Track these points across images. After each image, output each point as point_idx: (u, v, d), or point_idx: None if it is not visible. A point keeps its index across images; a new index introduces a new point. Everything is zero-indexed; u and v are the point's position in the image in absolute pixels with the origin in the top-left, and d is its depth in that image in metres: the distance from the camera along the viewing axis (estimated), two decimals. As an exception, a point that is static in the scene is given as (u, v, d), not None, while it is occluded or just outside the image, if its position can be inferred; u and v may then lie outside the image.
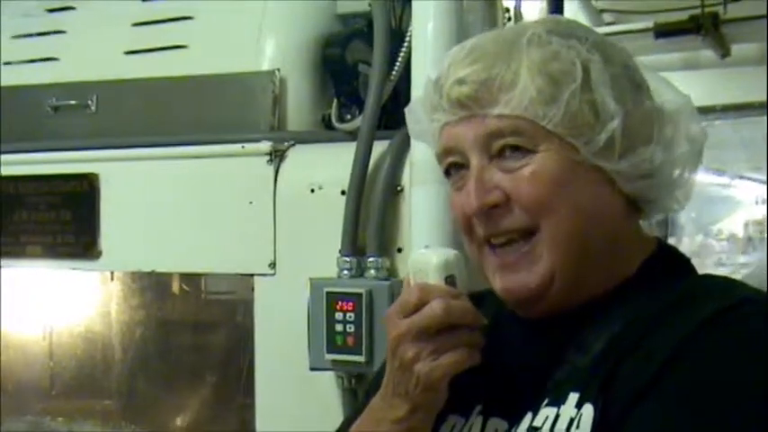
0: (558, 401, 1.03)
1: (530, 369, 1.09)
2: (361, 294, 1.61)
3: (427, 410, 1.13)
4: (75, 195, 1.96)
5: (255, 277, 1.80)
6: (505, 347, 1.12)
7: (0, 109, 2.09)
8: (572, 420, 1.00)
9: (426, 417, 1.13)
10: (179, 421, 2.01)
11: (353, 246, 1.67)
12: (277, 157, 1.78)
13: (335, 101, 1.87)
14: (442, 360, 1.05)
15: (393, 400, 1.11)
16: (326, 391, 1.73)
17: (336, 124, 1.84)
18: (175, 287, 2.03)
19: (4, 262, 2.04)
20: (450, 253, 1.15)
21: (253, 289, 1.80)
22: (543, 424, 1.03)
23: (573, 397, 1.02)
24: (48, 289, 2.11)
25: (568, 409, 1.01)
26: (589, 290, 1.08)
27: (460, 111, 1.07)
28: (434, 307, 1.05)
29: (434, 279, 1.10)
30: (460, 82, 1.06)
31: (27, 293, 2.13)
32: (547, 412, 1.03)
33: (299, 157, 1.79)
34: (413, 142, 1.58)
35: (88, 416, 2.09)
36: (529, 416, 1.05)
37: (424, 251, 1.18)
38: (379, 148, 1.69)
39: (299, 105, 1.89)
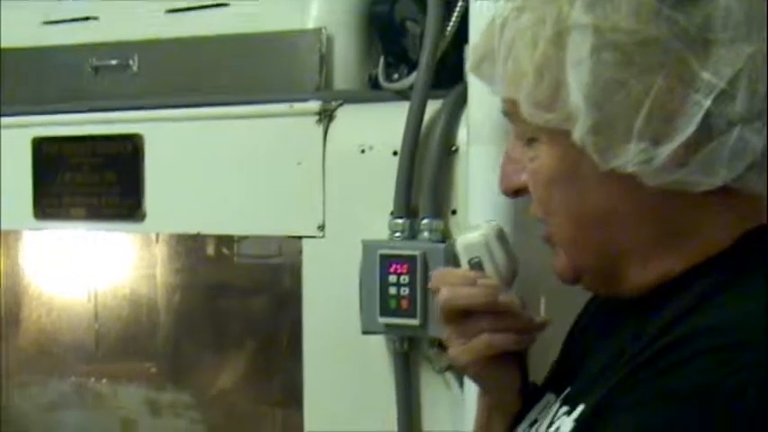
0: (570, 410, 0.97)
1: (598, 355, 1.03)
2: (415, 257, 1.59)
3: (493, 391, 1.15)
4: (119, 157, 1.94)
5: (304, 240, 1.77)
6: (601, 329, 1.08)
7: (41, 69, 2.07)
8: None
9: (499, 396, 1.14)
10: (224, 384, 2.00)
11: (406, 207, 1.64)
12: (326, 117, 1.75)
13: (382, 60, 1.82)
14: (467, 345, 1.06)
15: None
16: (378, 356, 1.71)
17: (384, 84, 1.80)
18: (220, 250, 2.01)
19: (48, 224, 2.02)
20: (476, 234, 1.16)
21: (301, 252, 1.78)
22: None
23: (579, 408, 0.94)
24: (92, 251, 2.09)
25: (568, 423, 0.94)
26: (645, 278, 0.94)
27: None
28: (441, 295, 1.07)
29: (462, 263, 1.14)
30: (473, 51, 1.01)
31: (71, 256, 2.12)
32: (559, 422, 0.98)
33: (348, 117, 1.75)
34: (470, 100, 1.54)
35: (133, 378, 2.09)
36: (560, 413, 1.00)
37: (464, 233, 1.20)
38: (433, 107, 1.65)
39: (345, 65, 1.85)
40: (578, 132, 0.87)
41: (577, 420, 0.91)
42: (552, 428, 0.96)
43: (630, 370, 0.83)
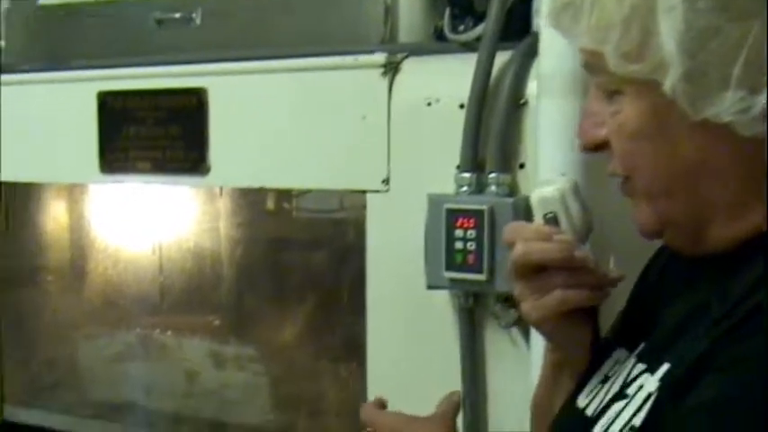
0: (653, 366, 0.94)
1: (673, 311, 1.00)
2: (482, 211, 1.56)
3: (565, 346, 1.13)
4: (183, 110, 1.94)
5: (368, 194, 1.76)
6: (676, 284, 1.05)
7: (105, 24, 2.07)
8: (648, 397, 0.91)
9: (569, 351, 1.12)
10: (286, 338, 2.01)
11: (473, 161, 1.62)
12: (391, 69, 1.72)
13: (448, 11, 1.79)
14: (540, 301, 1.04)
15: None
16: (442, 311, 1.70)
17: (450, 35, 1.77)
18: (283, 204, 2.00)
19: (114, 177, 2.03)
20: (551, 189, 1.13)
21: (365, 206, 1.77)
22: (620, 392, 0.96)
23: (664, 367, 0.91)
24: (156, 205, 2.11)
25: (653, 382, 0.92)
26: (731, 233, 0.91)
27: None
28: (516, 250, 1.04)
29: (537, 217, 1.12)
30: (552, 1, 0.95)
31: (136, 209, 2.13)
32: (642, 380, 0.95)
33: (414, 69, 1.72)
34: (540, 52, 1.50)
35: (197, 331, 2.10)
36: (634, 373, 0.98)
37: (540, 187, 1.17)
38: (501, 59, 1.61)
39: (410, 17, 1.82)
40: (669, 82, 0.84)
41: (663, 380, 0.89)
42: (633, 386, 0.94)
43: (721, 332, 0.81)
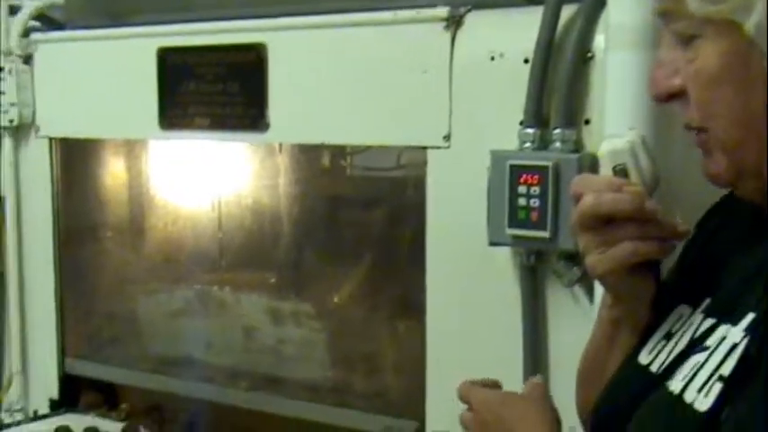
0: (732, 318, 0.92)
1: (740, 265, 0.99)
2: (547, 167, 1.54)
3: (627, 301, 1.10)
4: (243, 66, 1.93)
5: (429, 150, 1.74)
6: (738, 239, 1.03)
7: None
8: (734, 347, 0.89)
9: (631, 306, 1.10)
10: (345, 295, 2.01)
11: (537, 117, 1.59)
12: (454, 23, 1.69)
13: (512, -36, 1.76)
14: (608, 253, 1.02)
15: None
16: (503, 268, 1.68)
17: (514, -12, 1.74)
18: (343, 160, 2.00)
19: (173, 134, 2.04)
20: (622, 141, 1.11)
21: (425, 162, 1.75)
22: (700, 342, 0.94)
23: (749, 318, 0.89)
24: (216, 161, 2.11)
25: (736, 332, 0.90)
26: None
27: None
28: (585, 201, 1.02)
29: (605, 169, 1.10)
30: None
31: (195, 165, 2.14)
32: (723, 332, 0.93)
33: (477, 23, 1.69)
34: (609, 4, 1.47)
35: (255, 287, 2.11)
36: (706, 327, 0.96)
37: (609, 139, 1.15)
38: (567, 12, 1.58)
39: (473, -31, 1.79)
40: (753, 22, 0.81)
41: (749, 330, 0.87)
42: (712, 338, 0.92)
43: None
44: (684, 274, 1.11)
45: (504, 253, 1.67)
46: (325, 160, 2.02)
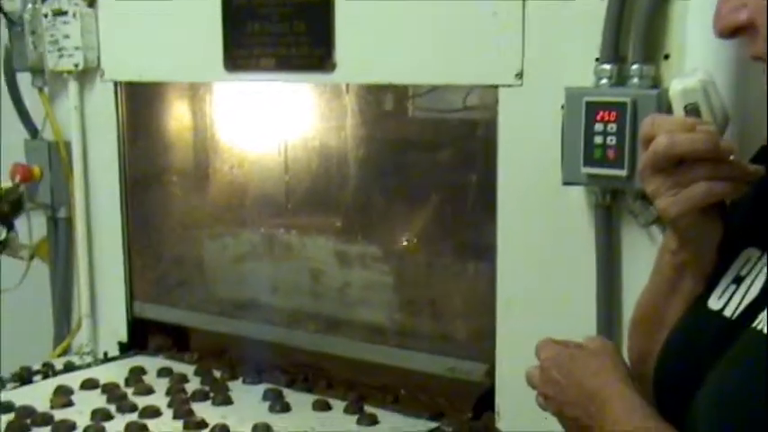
0: None
1: None
2: (625, 104, 1.50)
3: (695, 245, 1.08)
4: (309, 5, 1.90)
5: (500, 88, 1.71)
6: None
7: None
8: None
9: (698, 251, 1.08)
10: (412, 237, 1.99)
11: (614, 52, 1.55)
12: (527, -44, 1.65)
13: None
14: (680, 195, 1.00)
15: (669, 231, 1.11)
16: (577, 209, 1.65)
17: None
18: (412, 101, 1.97)
19: (238, 76, 2.03)
20: (693, 79, 1.10)
21: (497, 101, 1.72)
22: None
23: None
24: (282, 103, 2.09)
25: None
26: None
27: None
28: (658, 142, 1.00)
29: (676, 109, 1.09)
30: None
31: (261, 107, 2.13)
32: None
33: (551, -44, 1.65)
34: (692, -67, 1.42)
35: (322, 230, 2.11)
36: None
37: (680, 78, 1.13)
38: (647, -57, 1.53)
39: None
40: None
41: None
42: None
43: None
44: (752, 215, 1.08)
45: (578, 193, 1.64)
46: (393, 101, 1.99)
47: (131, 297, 2.35)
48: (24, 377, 2.14)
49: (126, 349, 2.35)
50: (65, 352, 2.43)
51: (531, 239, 1.72)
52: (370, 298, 2.03)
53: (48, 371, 2.20)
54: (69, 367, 2.24)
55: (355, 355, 2.02)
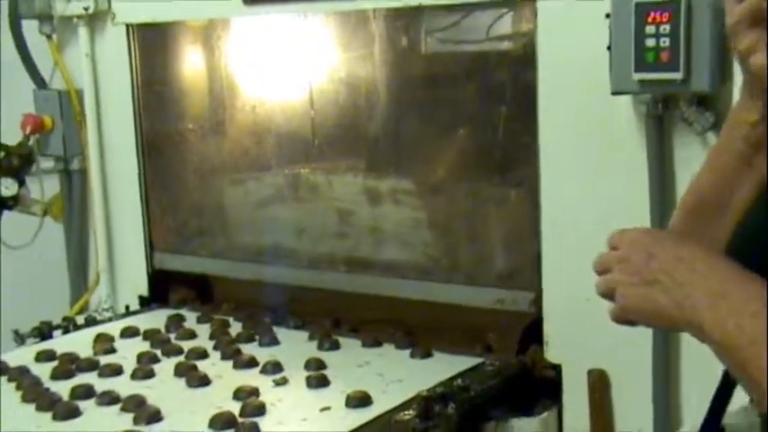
0: None
1: None
2: (679, 2, 1.43)
3: None
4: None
5: (539, 2, 1.64)
6: None
7: None
8: None
9: None
10: (448, 165, 1.91)
11: (664, -51, 1.48)
12: None
13: None
14: None
15: (748, 103, 1.02)
16: (626, 121, 1.59)
17: None
18: (445, 19, 1.86)
19: (258, 9, 1.95)
20: None
21: (535, 14, 1.65)
22: None
23: None
24: (304, 35, 2.00)
25: None
26: None
27: None
28: None
29: None
30: None
31: (283, 41, 2.04)
32: None
33: None
34: None
35: (350, 167, 2.03)
36: None
37: None
38: None
39: None
40: None
41: None
42: None
43: None
44: None
45: (627, 103, 1.57)
46: (422, 27, 1.91)
47: (151, 248, 2.27)
48: (45, 332, 2.06)
49: (147, 303, 2.28)
50: (82, 310, 2.35)
51: (577, 158, 1.65)
52: (404, 235, 1.95)
53: (68, 325, 2.11)
54: (91, 322, 2.16)
55: (394, 294, 1.94)
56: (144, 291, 2.28)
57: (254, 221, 2.18)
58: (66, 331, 2.10)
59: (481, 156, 1.86)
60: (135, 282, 2.30)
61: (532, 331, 1.77)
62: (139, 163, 2.25)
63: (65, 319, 2.14)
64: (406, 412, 1.51)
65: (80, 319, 2.17)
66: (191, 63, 2.22)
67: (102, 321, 2.17)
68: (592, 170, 1.63)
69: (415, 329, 1.88)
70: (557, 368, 1.73)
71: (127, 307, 2.25)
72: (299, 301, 2.05)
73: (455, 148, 1.90)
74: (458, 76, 1.88)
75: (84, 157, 2.31)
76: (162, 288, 2.28)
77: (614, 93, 1.54)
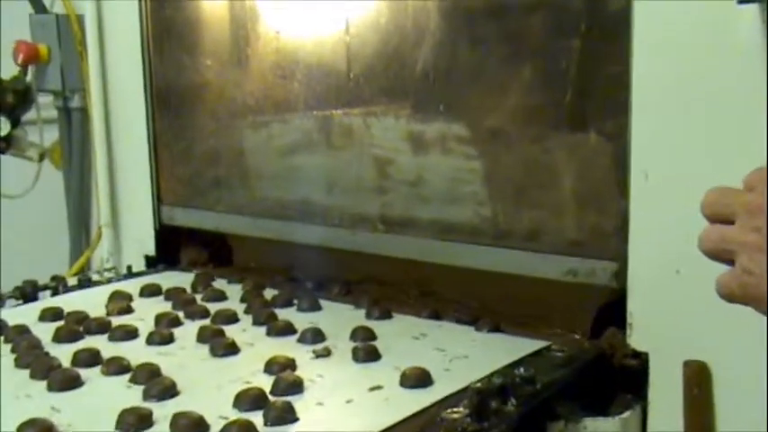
0: None
1: None
2: None
3: None
4: None
5: None
6: None
7: None
8: None
9: None
10: (509, 106, 1.57)
11: None
12: None
13: None
14: None
15: None
16: (751, 41, 1.23)
17: None
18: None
19: None
20: None
21: None
22: None
23: None
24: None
25: None
26: None
27: None
28: None
29: None
30: None
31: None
32: None
33: None
34: None
35: (390, 109, 1.69)
36: None
37: None
38: None
39: None
40: None
41: None
42: None
43: None
44: None
45: (754, 16, 1.22)
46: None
47: (158, 201, 1.98)
48: (28, 294, 1.77)
49: (153, 264, 1.98)
50: (83, 269, 2.06)
51: (681, 90, 1.30)
52: (455, 190, 1.62)
53: (57, 286, 1.81)
54: (85, 283, 1.86)
55: (444, 261, 1.61)
56: (150, 249, 1.98)
57: (279, 172, 1.85)
58: (55, 293, 1.80)
59: (553, 91, 1.50)
60: (141, 238, 2.01)
61: (609, 311, 1.44)
62: (146, 102, 1.96)
63: (53, 278, 1.83)
64: (455, 409, 1.19)
65: (73, 280, 1.87)
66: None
67: (100, 283, 1.87)
68: (701, 109, 1.28)
69: (470, 301, 1.57)
70: (642, 357, 1.39)
71: (129, 267, 1.94)
72: (328, 266, 1.74)
73: (520, 81, 1.55)
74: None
75: (85, 93, 2.02)
76: (171, 247, 1.98)
77: (741, 2, 1.18)
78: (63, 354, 1.43)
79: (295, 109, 1.80)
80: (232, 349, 1.45)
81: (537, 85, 1.53)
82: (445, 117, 1.62)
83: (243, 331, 1.55)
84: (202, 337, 1.50)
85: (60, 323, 1.59)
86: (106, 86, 1.98)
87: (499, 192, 1.58)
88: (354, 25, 1.68)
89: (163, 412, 1.19)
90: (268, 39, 1.80)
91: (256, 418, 1.17)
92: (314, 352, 1.43)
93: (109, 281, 1.88)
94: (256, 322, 1.58)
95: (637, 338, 1.39)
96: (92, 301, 1.70)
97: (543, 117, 1.53)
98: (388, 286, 1.72)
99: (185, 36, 1.93)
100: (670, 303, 1.35)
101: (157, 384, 1.29)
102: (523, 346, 1.44)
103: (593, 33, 1.44)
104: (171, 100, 1.96)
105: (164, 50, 1.94)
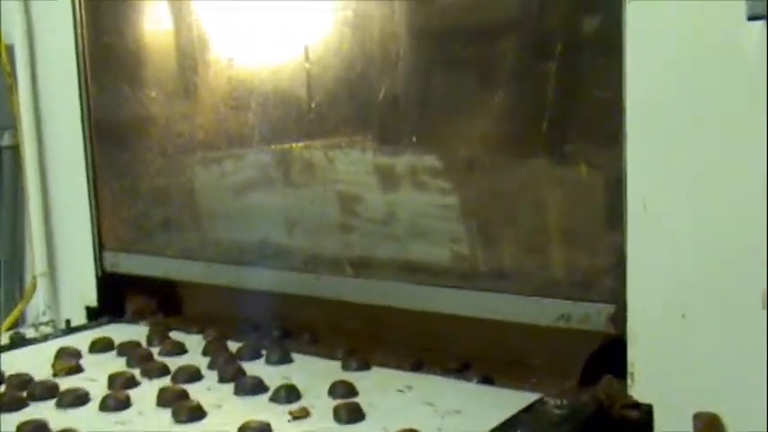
0: None
1: None
2: None
3: None
4: None
5: None
6: None
7: None
8: None
9: None
10: (484, 138, 1.44)
11: None
12: None
13: None
14: None
15: None
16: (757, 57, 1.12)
17: None
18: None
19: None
20: None
21: None
22: None
23: None
24: None
25: None
26: None
27: None
28: None
29: None
30: None
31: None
32: None
33: None
34: None
35: (356, 140, 1.55)
36: None
37: None
38: None
39: None
40: None
41: None
42: None
43: None
44: None
45: (757, 34, 1.11)
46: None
47: (100, 246, 1.82)
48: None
49: (95, 315, 1.81)
50: (16, 323, 1.88)
51: (682, 113, 1.18)
52: (429, 227, 1.48)
53: (-16, 345, 1.64)
54: (18, 342, 1.68)
55: (420, 306, 1.48)
56: (92, 300, 1.81)
57: (234, 212, 1.70)
58: (-18, 352, 1.62)
59: (536, 116, 1.38)
60: (81, 289, 1.83)
61: (601, 355, 1.32)
62: (85, 137, 1.80)
63: (-21, 338, 1.66)
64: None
65: (5, 337, 1.69)
66: (151, 8, 1.74)
67: (36, 341, 1.70)
68: (703, 135, 1.17)
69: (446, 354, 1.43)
70: (645, 409, 1.26)
71: (68, 321, 1.77)
72: (292, 314, 1.59)
73: (499, 108, 1.42)
74: (497, 21, 1.40)
75: (16, 130, 1.85)
76: (114, 297, 1.82)
77: (750, 18, 1.07)
78: (5, 426, 1.27)
79: (250, 143, 1.66)
80: (197, 413, 1.30)
81: (517, 111, 1.40)
82: (415, 148, 1.49)
83: (208, 390, 1.40)
84: (163, 399, 1.35)
85: (1, 388, 1.43)
86: (39, 121, 1.83)
87: (478, 229, 1.45)
88: (314, 50, 1.54)
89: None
90: (219, 67, 1.66)
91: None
92: (290, 413, 1.29)
93: (46, 337, 1.71)
94: (222, 379, 1.44)
95: (639, 389, 1.26)
96: (34, 361, 1.54)
97: (524, 146, 1.40)
98: (360, 333, 1.58)
99: (126, 66, 1.78)
100: (676, 351, 1.23)
101: (112, 464, 1.14)
102: (515, 398, 1.31)
103: (578, 56, 1.33)
104: (112, 135, 1.81)
105: (103, 82, 1.79)
